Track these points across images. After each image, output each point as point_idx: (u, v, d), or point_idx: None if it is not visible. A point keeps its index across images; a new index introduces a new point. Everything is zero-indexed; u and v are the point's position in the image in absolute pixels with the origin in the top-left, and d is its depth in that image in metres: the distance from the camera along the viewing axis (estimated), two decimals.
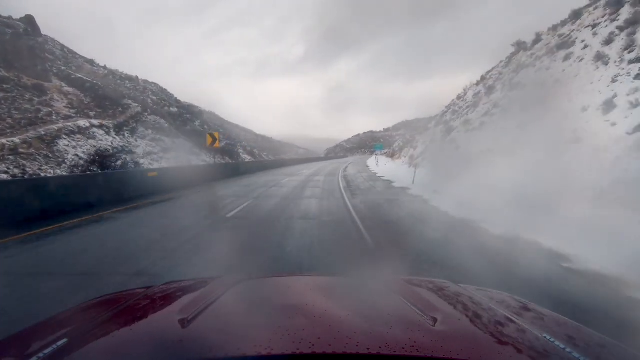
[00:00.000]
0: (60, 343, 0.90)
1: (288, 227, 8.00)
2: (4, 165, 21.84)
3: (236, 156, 69.90)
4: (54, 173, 24.90)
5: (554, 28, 17.84)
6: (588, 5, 16.32)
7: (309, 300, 1.29)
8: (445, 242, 6.58)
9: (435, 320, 1.04)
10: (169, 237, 7.04)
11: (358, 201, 12.37)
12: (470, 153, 14.45)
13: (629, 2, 12.51)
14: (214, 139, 23.08)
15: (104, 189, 12.13)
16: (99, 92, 44.84)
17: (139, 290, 1.57)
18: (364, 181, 20.43)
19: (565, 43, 14.42)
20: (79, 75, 48.30)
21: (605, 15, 13.34)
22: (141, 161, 36.64)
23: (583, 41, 13.64)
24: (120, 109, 43.56)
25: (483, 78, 23.14)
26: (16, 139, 25.70)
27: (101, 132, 35.28)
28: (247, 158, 76.32)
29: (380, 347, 0.83)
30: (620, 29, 11.57)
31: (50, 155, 28.59)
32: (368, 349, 0.82)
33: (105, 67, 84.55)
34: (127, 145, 36.90)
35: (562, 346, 0.93)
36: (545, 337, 0.99)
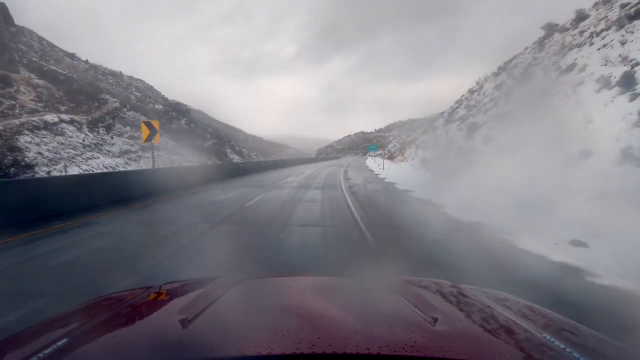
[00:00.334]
0: (60, 343, 0.90)
1: None
2: None
3: (223, 156, 66.96)
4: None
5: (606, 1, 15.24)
6: None
7: (309, 300, 1.28)
8: None
9: (435, 320, 1.03)
10: None
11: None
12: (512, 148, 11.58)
13: None
14: (152, 132, 16.22)
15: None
16: (74, 86, 41.29)
17: (139, 290, 1.53)
18: (388, 202, 12.40)
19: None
20: (53, 67, 44.65)
21: None
22: (117, 160, 33.42)
23: None
24: (96, 104, 40.10)
25: (503, 68, 20.68)
26: None
27: (71, 128, 31.91)
28: (236, 158, 73.22)
29: (380, 347, 0.83)
30: None
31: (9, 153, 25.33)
32: (368, 349, 0.81)
33: (87, 62, 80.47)
34: (101, 142, 33.63)
35: (562, 346, 0.92)
36: (545, 337, 0.99)
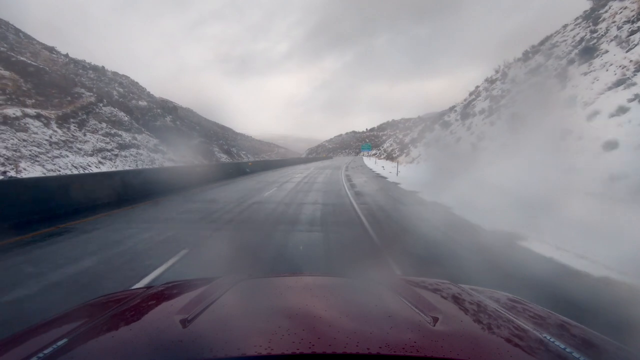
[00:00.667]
0: (60, 343, 0.90)
1: None
2: None
3: (210, 155, 63.88)
4: None
5: None
6: None
7: (309, 300, 1.28)
8: None
9: (435, 320, 1.03)
10: None
11: None
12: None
13: None
14: None
15: None
16: (45, 78, 37.82)
17: (139, 290, 1.55)
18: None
19: None
20: (22, 59, 41.06)
21: None
22: (89, 159, 30.27)
23: None
24: (68, 99, 36.71)
25: (535, 50, 18.11)
26: None
27: (37, 123, 28.62)
28: (224, 157, 70.12)
29: (380, 347, 0.83)
30: None
31: None
32: (368, 349, 0.81)
33: (67, 55, 76.30)
34: (71, 139, 30.41)
35: (562, 346, 0.92)
36: (545, 337, 0.99)
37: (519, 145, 11.50)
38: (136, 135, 41.03)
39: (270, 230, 6.99)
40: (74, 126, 32.57)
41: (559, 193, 8.38)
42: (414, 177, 18.06)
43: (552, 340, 0.97)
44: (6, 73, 34.67)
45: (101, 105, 38.80)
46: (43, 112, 30.66)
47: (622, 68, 10.81)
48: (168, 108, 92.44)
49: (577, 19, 16.08)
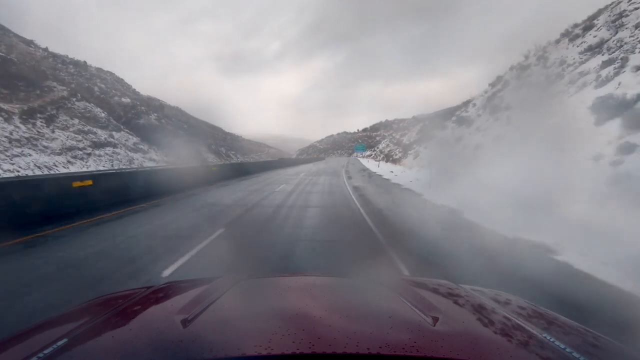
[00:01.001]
0: (60, 343, 0.90)
1: None
2: None
3: (196, 155, 60.81)
4: None
5: None
6: None
7: (309, 300, 1.27)
8: None
9: (435, 320, 1.02)
10: None
11: None
12: None
13: None
14: None
15: None
16: (11, 70, 34.44)
17: (139, 290, 1.51)
18: None
19: None
20: None
21: None
22: (56, 158, 27.24)
23: None
24: (37, 92, 33.48)
25: (587, 26, 15.52)
26: None
27: None
28: (211, 157, 67.11)
29: (380, 347, 0.83)
30: None
31: None
32: (368, 349, 0.81)
33: (46, 49, 72.38)
34: (36, 136, 27.33)
35: (562, 346, 0.92)
36: (545, 337, 0.99)
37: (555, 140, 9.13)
38: (114, 133, 37.95)
39: None
40: (41, 122, 29.43)
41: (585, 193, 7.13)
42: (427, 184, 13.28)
43: (552, 340, 0.96)
44: None
45: (74, 100, 35.64)
46: (4, 106, 27.53)
47: None
48: (154, 106, 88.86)
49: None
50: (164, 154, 46.95)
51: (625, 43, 12.24)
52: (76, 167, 28.08)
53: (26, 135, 26.74)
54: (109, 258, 4.88)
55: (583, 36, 15.66)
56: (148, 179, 12.23)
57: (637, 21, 12.53)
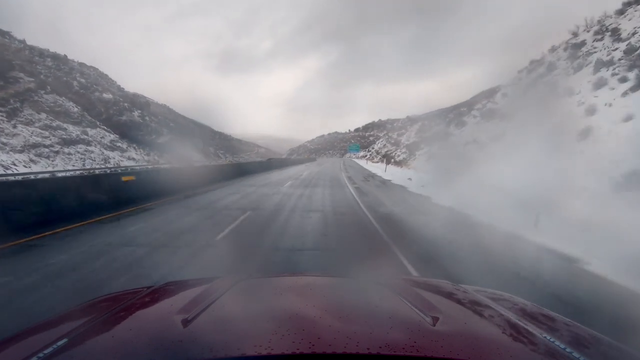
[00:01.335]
0: (60, 343, 0.90)
1: None
2: None
3: (181, 154, 57.57)
4: None
5: None
6: None
7: (309, 300, 1.27)
8: None
9: (435, 320, 1.02)
10: None
11: None
12: None
13: None
14: None
15: None
16: None
17: (139, 290, 1.50)
18: None
19: None
20: None
21: None
22: (15, 157, 24.10)
23: None
24: (1, 83, 30.25)
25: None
26: None
27: None
28: (197, 156, 63.89)
29: (380, 347, 0.83)
30: None
31: None
32: (368, 349, 0.81)
33: (23, 42, 68.31)
34: None
35: (562, 346, 0.92)
36: (545, 337, 0.98)
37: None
38: (88, 129, 34.72)
39: None
40: (0, 115, 26.24)
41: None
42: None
43: (552, 340, 0.96)
44: None
45: (42, 92, 32.33)
46: None
47: None
48: (139, 103, 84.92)
49: None
50: (145, 153, 43.82)
51: None
52: (40, 167, 24.94)
53: None
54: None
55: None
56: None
57: None
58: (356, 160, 63.94)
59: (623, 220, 5.96)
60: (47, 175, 19.60)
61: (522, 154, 10.62)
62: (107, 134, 37.83)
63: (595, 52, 14.84)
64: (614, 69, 12.89)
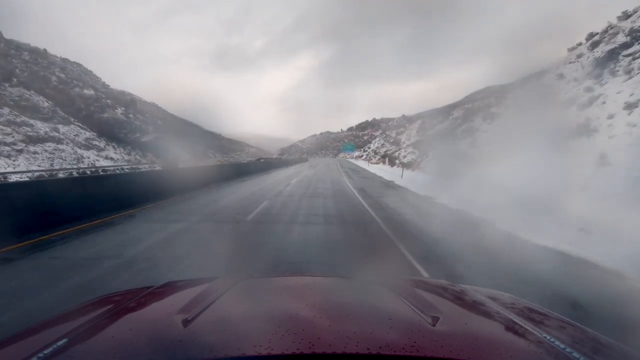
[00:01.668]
0: (60, 343, 0.89)
1: None
2: None
3: (166, 153, 54.15)
4: None
5: None
6: None
7: (309, 300, 1.26)
8: None
9: (435, 320, 1.01)
10: None
11: None
12: None
13: None
14: None
15: None
16: None
17: (139, 290, 1.49)
18: None
19: None
20: None
21: None
22: None
23: None
24: None
25: None
26: None
27: None
28: (184, 156, 60.72)
29: (380, 347, 0.82)
30: None
31: None
32: (368, 349, 0.81)
33: None
34: None
35: (562, 346, 0.92)
36: (545, 337, 0.98)
37: None
38: (59, 126, 31.55)
39: None
40: None
41: None
42: None
43: (552, 340, 0.95)
44: None
45: (7, 85, 29.15)
46: None
47: None
48: (124, 100, 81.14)
49: None
50: (126, 152, 40.71)
51: None
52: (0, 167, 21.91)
53: None
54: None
55: None
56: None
57: None
58: (352, 161, 58.18)
59: None
60: None
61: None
62: (82, 131, 34.67)
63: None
64: None
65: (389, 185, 16.49)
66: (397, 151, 27.28)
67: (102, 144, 36.05)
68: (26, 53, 65.15)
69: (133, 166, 30.23)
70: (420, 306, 1.13)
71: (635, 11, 15.61)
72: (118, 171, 25.52)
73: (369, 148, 63.88)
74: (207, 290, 1.35)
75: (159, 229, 6.26)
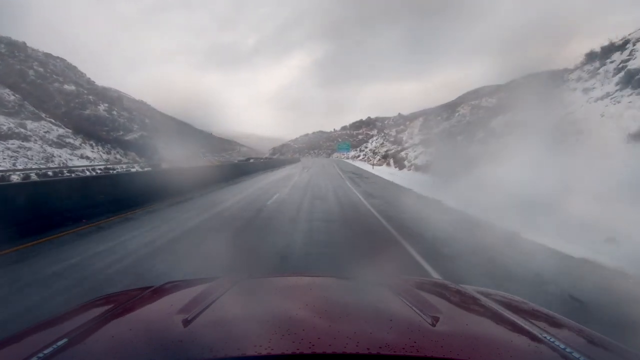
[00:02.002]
0: (60, 343, 0.88)
1: None
2: None
3: (152, 152, 50.62)
4: None
5: None
6: None
7: (309, 300, 1.25)
8: None
9: (435, 320, 1.00)
10: None
11: None
12: None
13: None
14: None
15: None
16: None
17: (139, 290, 1.48)
18: None
19: None
20: None
21: None
22: None
23: None
24: None
25: None
26: None
27: None
28: (168, 156, 57.48)
29: (380, 347, 0.82)
30: None
31: None
32: (368, 349, 0.80)
33: None
34: None
35: (562, 346, 0.90)
36: (545, 337, 0.96)
37: None
38: (27, 122, 28.44)
39: None
40: None
41: None
42: None
43: (552, 340, 0.95)
44: None
45: None
46: None
47: None
48: (110, 97, 77.54)
49: None
50: (105, 151, 37.60)
51: None
52: None
53: None
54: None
55: None
56: None
57: None
58: (349, 162, 51.26)
59: None
60: None
61: None
62: (54, 128, 31.55)
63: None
64: None
65: (421, 196, 11.40)
66: (401, 151, 24.71)
67: (77, 142, 32.96)
68: (2, 45, 61.44)
69: (108, 166, 27.35)
70: (420, 306, 1.12)
71: None
72: (88, 172, 22.70)
73: (366, 147, 61.03)
74: (207, 290, 1.32)
75: None
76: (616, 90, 11.66)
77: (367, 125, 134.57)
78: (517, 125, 15.14)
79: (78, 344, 0.92)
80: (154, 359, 0.83)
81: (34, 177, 18.51)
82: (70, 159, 29.60)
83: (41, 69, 60.45)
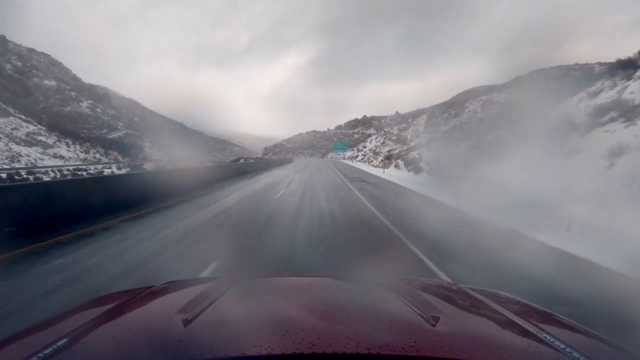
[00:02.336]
0: (60, 343, 0.89)
1: None
2: None
3: (139, 151, 47.49)
4: None
5: None
6: None
7: (309, 300, 1.25)
8: None
9: (435, 320, 1.01)
10: None
11: None
12: None
13: None
14: None
15: None
16: None
17: (139, 290, 1.47)
18: None
19: None
20: None
21: None
22: None
23: None
24: None
25: None
26: None
27: None
28: (157, 154, 54.54)
29: (380, 347, 0.82)
30: None
31: None
32: (368, 349, 0.80)
33: None
34: None
35: (562, 346, 0.91)
36: (545, 337, 0.97)
37: None
38: None
39: None
40: None
41: None
42: None
43: (552, 340, 0.95)
44: None
45: None
46: None
47: None
48: (96, 94, 74.05)
49: None
50: (83, 150, 34.60)
51: None
52: None
53: None
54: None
55: None
56: None
57: None
58: (347, 163, 45.22)
59: None
60: None
61: None
62: (25, 124, 28.54)
63: None
64: None
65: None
66: (411, 150, 22.16)
67: (51, 140, 29.95)
68: None
69: (80, 167, 24.52)
70: (420, 306, 1.11)
71: None
72: (54, 174, 19.91)
73: (365, 147, 58.17)
74: (207, 290, 1.32)
75: None
76: None
77: (363, 124, 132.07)
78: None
79: (78, 344, 0.91)
80: (154, 359, 0.81)
81: None
82: (40, 159, 26.64)
83: (19, 64, 57.09)
